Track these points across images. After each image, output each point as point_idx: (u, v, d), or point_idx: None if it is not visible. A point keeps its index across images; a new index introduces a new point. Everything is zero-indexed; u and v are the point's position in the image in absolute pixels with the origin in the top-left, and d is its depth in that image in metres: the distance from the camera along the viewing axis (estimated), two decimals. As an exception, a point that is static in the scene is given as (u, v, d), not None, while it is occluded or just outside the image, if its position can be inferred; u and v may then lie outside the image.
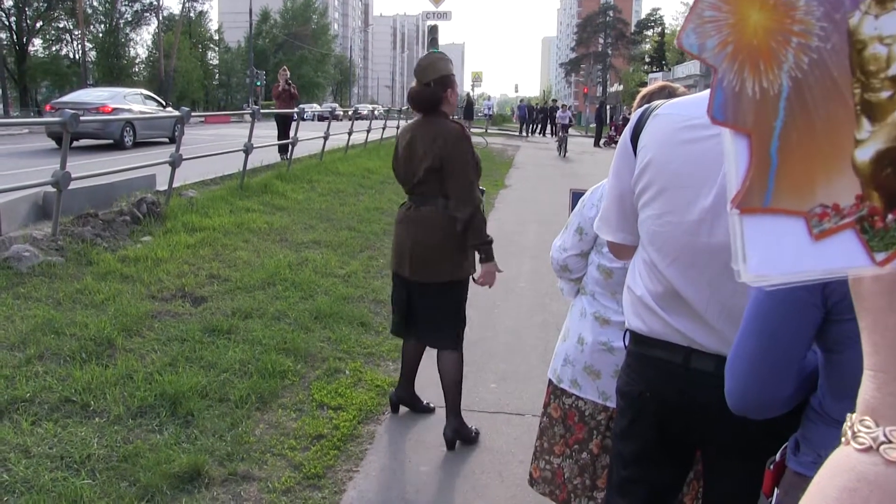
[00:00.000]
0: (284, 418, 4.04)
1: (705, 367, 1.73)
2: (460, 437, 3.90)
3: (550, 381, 2.88)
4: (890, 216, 0.39)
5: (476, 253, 3.79)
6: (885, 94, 0.38)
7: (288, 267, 6.98)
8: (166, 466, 3.35)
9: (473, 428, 4.00)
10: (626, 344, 1.95)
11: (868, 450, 0.43)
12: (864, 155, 0.39)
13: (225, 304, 5.76)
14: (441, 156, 3.63)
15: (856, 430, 0.44)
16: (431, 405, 4.27)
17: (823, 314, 1.23)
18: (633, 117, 1.83)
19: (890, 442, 0.42)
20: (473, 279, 3.87)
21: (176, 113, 9.93)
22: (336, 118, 30.78)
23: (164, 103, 21.53)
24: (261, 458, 3.58)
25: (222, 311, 5.57)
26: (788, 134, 0.39)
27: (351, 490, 3.42)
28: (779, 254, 0.41)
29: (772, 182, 0.40)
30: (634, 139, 1.79)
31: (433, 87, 3.71)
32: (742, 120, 0.39)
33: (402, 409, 4.32)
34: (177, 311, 5.50)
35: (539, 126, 41.51)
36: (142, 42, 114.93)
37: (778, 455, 1.38)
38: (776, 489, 1.35)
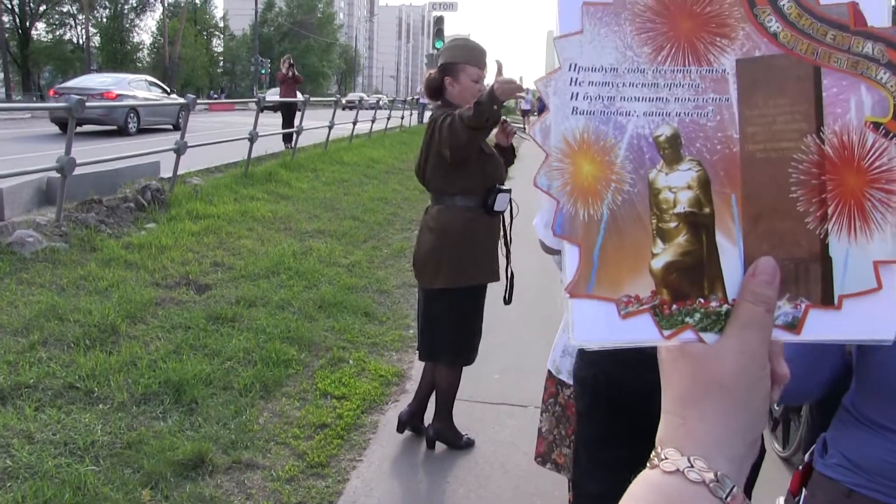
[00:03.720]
0: (288, 407, 4.04)
1: (654, 349, 1.74)
2: (441, 438, 3.77)
3: (550, 372, 2.87)
4: (674, 306, 0.55)
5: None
6: (672, 224, 0.55)
7: (292, 256, 6.97)
8: (170, 454, 3.34)
9: (466, 436, 3.82)
10: None
11: (674, 472, 0.52)
12: (658, 264, 0.55)
13: (229, 292, 5.75)
14: (437, 142, 3.40)
15: (662, 457, 0.54)
16: (472, 439, 3.86)
17: None
18: None
19: (692, 467, 0.52)
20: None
21: (181, 100, 9.91)
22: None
23: (168, 90, 21.50)
24: (265, 447, 3.58)
25: (226, 299, 5.57)
26: (605, 246, 0.55)
27: (354, 479, 3.42)
28: (596, 327, 0.55)
29: (593, 277, 0.55)
30: None
31: (437, 73, 3.56)
32: (575, 235, 0.55)
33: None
34: (181, 299, 5.50)
35: None
36: (146, 28, 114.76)
37: (806, 456, 1.39)
38: (804, 489, 1.37)
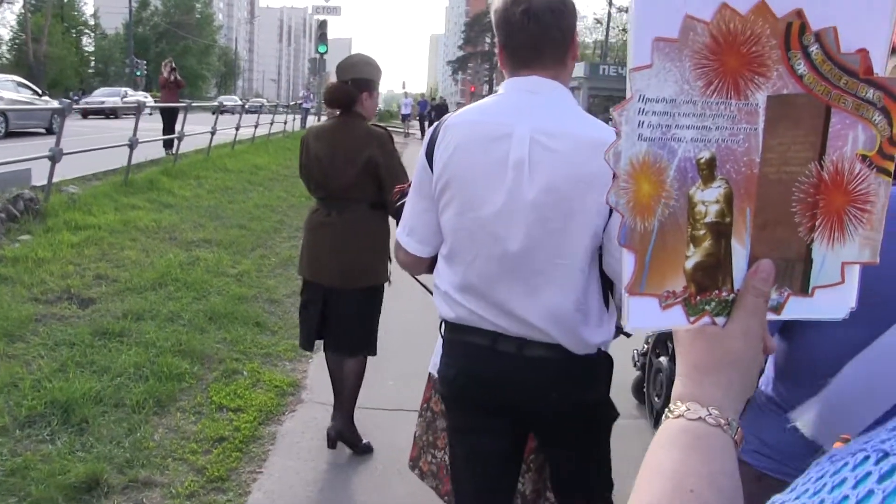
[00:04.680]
0: (184, 422, 3.99)
1: (509, 349, 1.90)
2: (343, 438, 3.88)
3: (430, 376, 2.89)
4: (698, 297, 0.71)
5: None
6: (701, 232, 0.70)
7: (179, 266, 6.82)
8: (61, 478, 3.24)
9: (366, 441, 3.95)
10: (442, 332, 2.10)
11: (697, 419, 0.70)
12: (689, 264, 0.71)
13: (115, 305, 5.58)
14: (373, 160, 3.58)
15: (684, 408, 0.71)
16: (370, 444, 3.98)
17: None
18: (427, 136, 1.97)
19: (710, 415, 0.70)
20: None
21: (55, 104, 9.48)
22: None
23: (39, 92, 20.41)
24: (162, 464, 3.53)
25: (112, 313, 5.41)
26: (655, 253, 0.69)
27: (256, 492, 3.43)
28: (644, 316, 0.71)
29: (644, 278, 0.70)
30: (430, 154, 1.93)
31: (350, 85, 3.67)
32: (633, 244, 0.69)
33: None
34: (63, 314, 5.30)
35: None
36: (4, 22, 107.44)
37: None
38: None
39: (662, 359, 4.18)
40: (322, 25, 30.32)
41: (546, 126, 1.78)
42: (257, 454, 3.77)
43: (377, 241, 3.75)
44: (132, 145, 10.50)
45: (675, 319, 0.72)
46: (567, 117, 1.84)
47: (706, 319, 0.72)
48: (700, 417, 0.70)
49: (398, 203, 2.44)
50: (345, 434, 3.88)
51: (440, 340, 2.96)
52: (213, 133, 15.16)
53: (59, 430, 3.69)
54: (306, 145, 3.78)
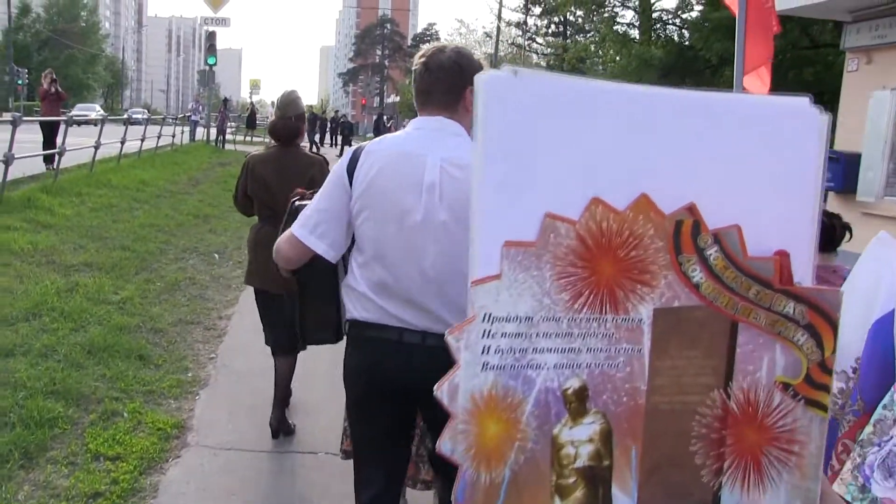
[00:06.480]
0: (54, 475, 3.64)
1: (414, 340, 2.25)
2: (285, 427, 4.42)
3: None
4: None
5: None
6: (570, 480, 0.55)
7: (56, 294, 6.37)
8: None
9: (293, 423, 4.50)
10: (347, 331, 2.42)
11: None
12: None
13: (-21, 340, 5.13)
14: (314, 179, 3.99)
15: None
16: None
17: None
18: (346, 155, 2.33)
19: None
20: None
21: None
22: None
23: None
24: (27, 527, 3.21)
25: (-24, 349, 4.96)
26: None
27: (133, 554, 3.16)
28: None
29: None
30: (350, 171, 2.27)
31: (294, 121, 4.24)
32: (474, 501, 0.53)
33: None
34: (-82, 351, 4.83)
35: (328, 136, 37.82)
36: None
37: None
38: None
39: None
40: (211, 37, 29.78)
41: (451, 157, 2.18)
42: (137, 509, 3.49)
43: None
44: (7, 161, 9.83)
45: None
46: (467, 150, 2.17)
47: None
48: None
49: (297, 203, 2.76)
50: (286, 423, 4.41)
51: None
52: (96, 147, 14.44)
53: None
54: (251, 170, 4.25)
